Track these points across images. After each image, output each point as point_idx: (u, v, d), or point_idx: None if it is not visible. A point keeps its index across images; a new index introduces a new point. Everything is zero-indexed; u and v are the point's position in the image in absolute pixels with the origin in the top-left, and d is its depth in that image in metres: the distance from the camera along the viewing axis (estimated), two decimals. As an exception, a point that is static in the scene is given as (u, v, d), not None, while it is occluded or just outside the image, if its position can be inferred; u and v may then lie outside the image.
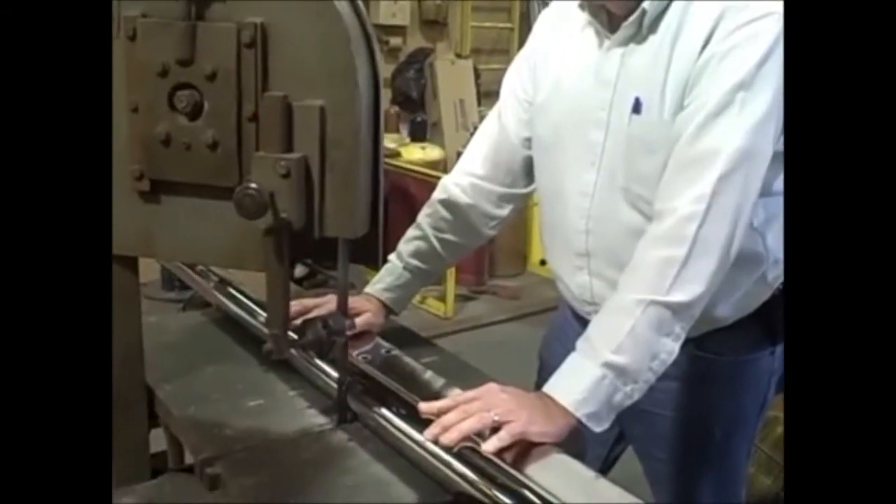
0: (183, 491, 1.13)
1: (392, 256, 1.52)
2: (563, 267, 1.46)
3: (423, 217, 1.53)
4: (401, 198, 3.73)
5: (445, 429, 1.08)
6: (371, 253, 1.08)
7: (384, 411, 1.16)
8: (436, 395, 1.23)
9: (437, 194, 1.53)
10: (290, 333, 1.11)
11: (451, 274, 4.27)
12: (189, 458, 1.24)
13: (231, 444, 1.16)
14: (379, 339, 1.45)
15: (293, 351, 1.25)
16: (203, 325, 1.59)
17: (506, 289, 4.74)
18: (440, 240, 1.51)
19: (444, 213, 1.51)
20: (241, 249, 1.01)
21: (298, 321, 1.19)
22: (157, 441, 1.31)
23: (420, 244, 1.51)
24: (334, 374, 1.24)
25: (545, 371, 1.23)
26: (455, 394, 1.19)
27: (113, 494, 1.05)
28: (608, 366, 1.15)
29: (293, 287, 1.25)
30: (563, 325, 1.54)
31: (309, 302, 1.41)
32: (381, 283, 1.50)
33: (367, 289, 1.49)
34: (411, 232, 1.53)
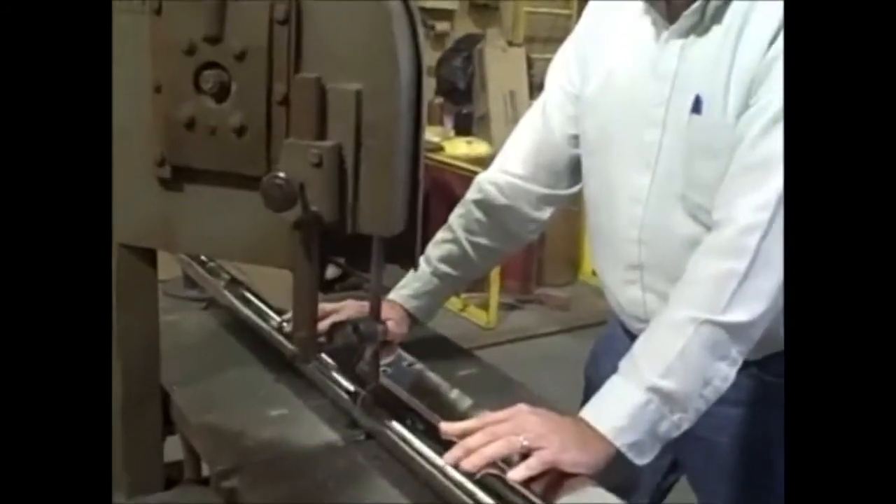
0: (196, 505, 1.13)
1: (419, 260, 1.51)
2: (612, 279, 1.44)
3: (454, 218, 1.52)
4: (442, 195, 3.73)
5: (469, 452, 1.07)
6: (408, 254, 1.07)
7: (402, 430, 1.15)
8: (461, 416, 1.22)
9: (471, 194, 1.52)
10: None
11: (494, 280, 4.27)
12: (207, 470, 1.24)
13: (249, 456, 1.16)
14: (401, 351, 1.44)
15: (323, 356, 1.25)
16: (227, 325, 1.59)
17: (554, 298, 4.72)
18: (473, 244, 1.50)
19: (477, 214, 1.50)
20: (267, 244, 1.01)
21: (326, 324, 1.18)
22: (175, 450, 1.31)
23: (451, 248, 1.51)
24: (349, 386, 1.24)
25: (591, 390, 1.21)
26: (482, 414, 1.17)
27: (122, 505, 1.06)
28: (654, 390, 1.13)
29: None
30: (613, 340, 1.52)
31: (325, 307, 1.40)
32: (407, 288, 1.49)
33: (391, 295, 1.48)
34: (441, 234, 1.52)
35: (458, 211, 1.53)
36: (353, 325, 1.14)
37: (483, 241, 1.51)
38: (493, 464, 1.06)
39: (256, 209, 0.95)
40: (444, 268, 1.50)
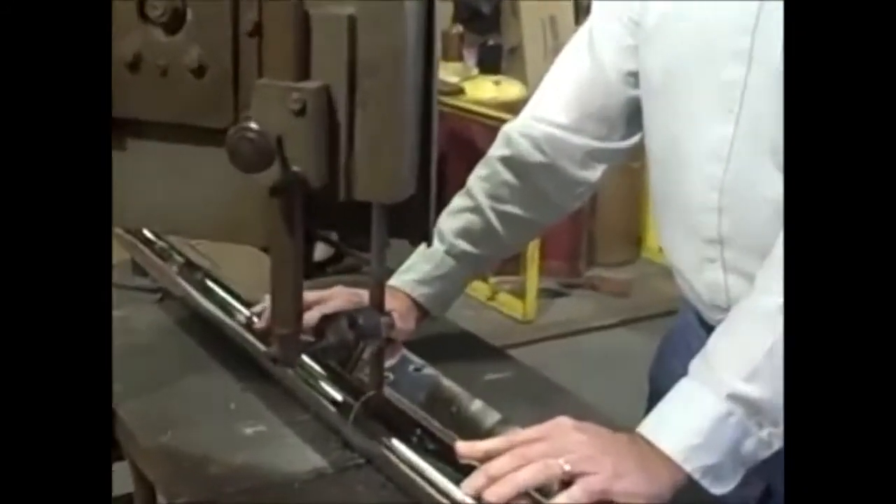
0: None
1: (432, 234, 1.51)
2: (684, 258, 1.44)
3: (476, 181, 1.52)
4: (463, 151, 3.71)
5: (493, 480, 1.07)
6: (418, 226, 1.08)
7: (407, 452, 1.16)
8: (485, 435, 1.22)
9: (498, 149, 1.52)
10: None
11: (532, 260, 4.27)
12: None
13: (217, 487, 1.16)
14: (407, 352, 1.44)
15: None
16: (184, 322, 1.61)
17: (610, 282, 4.72)
18: (500, 214, 1.51)
19: (506, 175, 1.50)
20: (237, 216, 1.01)
21: (313, 317, 1.19)
22: (123, 480, 1.33)
23: (471, 219, 1.51)
24: (338, 396, 1.25)
25: (657, 399, 1.22)
26: (511, 432, 1.18)
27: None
28: (736, 399, 1.13)
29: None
30: (685, 335, 1.52)
31: (308, 296, 1.40)
32: (414, 272, 1.49)
33: (393, 281, 1.47)
34: (458, 201, 1.52)
35: (479, 171, 1.53)
36: (350, 319, 1.13)
37: (513, 209, 1.51)
38: (524, 494, 1.06)
39: (221, 171, 0.95)
40: (463, 244, 1.50)
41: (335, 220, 1.11)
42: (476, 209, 1.51)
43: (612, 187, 4.79)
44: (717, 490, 1.13)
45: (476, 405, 1.31)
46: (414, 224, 1.08)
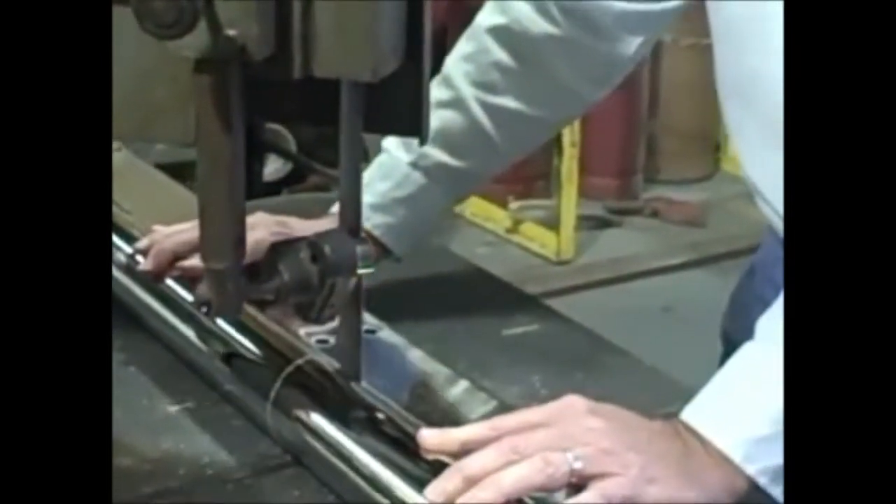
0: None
1: (391, 142, 1.52)
2: (765, 173, 1.44)
3: (456, 63, 1.54)
4: (467, 23, 3.71)
5: (471, 483, 1.05)
6: (408, 114, 1.09)
7: (348, 444, 1.16)
8: (460, 420, 1.23)
9: (488, 16, 1.54)
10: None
11: (568, 177, 4.29)
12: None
13: (130, 485, 1.17)
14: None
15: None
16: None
17: (679, 207, 4.75)
18: (490, 109, 1.52)
19: (499, 53, 1.52)
20: (147, 102, 1.02)
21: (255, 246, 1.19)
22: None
23: (449, 117, 1.51)
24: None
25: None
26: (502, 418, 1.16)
27: None
28: None
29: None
30: (769, 276, 1.52)
31: None
32: (368, 193, 1.48)
33: (336, 207, 1.47)
34: (434, 92, 1.49)
35: (462, 48, 1.54)
36: (311, 248, 1.14)
37: (509, 102, 1.52)
38: (515, 503, 1.05)
39: (127, 38, 0.96)
40: (437, 154, 1.51)
41: (291, 108, 1.12)
42: (456, 103, 1.52)
43: (679, 73, 4.80)
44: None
45: (461, 386, 1.34)
46: (400, 114, 1.09)
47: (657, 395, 1.33)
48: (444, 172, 1.53)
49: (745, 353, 1.18)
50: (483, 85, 1.52)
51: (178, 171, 1.97)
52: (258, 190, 3.12)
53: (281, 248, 1.17)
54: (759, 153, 1.43)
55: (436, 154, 1.51)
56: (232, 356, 1.32)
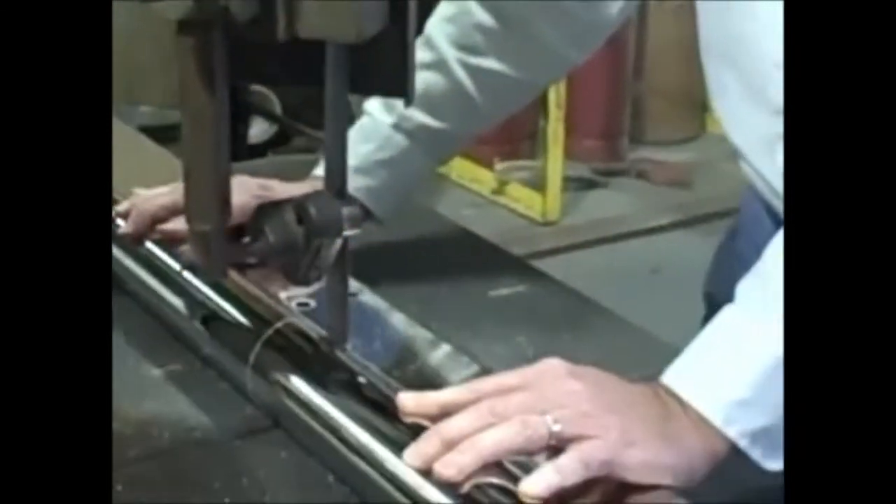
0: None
1: (373, 105, 1.52)
2: (746, 134, 1.44)
3: (438, 24, 1.53)
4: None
5: (449, 446, 1.05)
6: (394, 75, 1.09)
7: (330, 409, 1.16)
8: (441, 384, 1.23)
9: None
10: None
11: (554, 138, 4.28)
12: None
13: (117, 449, 1.15)
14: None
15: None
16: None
17: (664, 168, 4.75)
18: (472, 70, 1.52)
19: (480, 14, 1.51)
20: (132, 64, 1.01)
21: (242, 207, 1.18)
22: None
23: (431, 79, 1.51)
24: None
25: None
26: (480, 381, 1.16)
27: None
28: None
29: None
30: (751, 236, 1.52)
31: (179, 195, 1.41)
32: (351, 155, 1.48)
33: (319, 170, 1.48)
34: (416, 54, 1.51)
35: (444, 9, 1.53)
36: (297, 209, 1.13)
37: (492, 63, 1.52)
38: (494, 466, 1.04)
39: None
40: (419, 115, 1.51)
41: (272, 72, 1.12)
42: (438, 65, 1.52)
43: (665, 34, 4.79)
44: (772, 464, 1.12)
45: (443, 349, 1.34)
46: (385, 75, 1.09)
47: (644, 355, 1.32)
48: (426, 134, 1.53)
49: (725, 317, 1.18)
50: (465, 47, 1.52)
51: (163, 134, 1.97)
52: (243, 152, 3.13)
53: (267, 210, 1.17)
54: (740, 113, 1.43)
55: (418, 116, 1.51)
56: (211, 319, 1.32)
